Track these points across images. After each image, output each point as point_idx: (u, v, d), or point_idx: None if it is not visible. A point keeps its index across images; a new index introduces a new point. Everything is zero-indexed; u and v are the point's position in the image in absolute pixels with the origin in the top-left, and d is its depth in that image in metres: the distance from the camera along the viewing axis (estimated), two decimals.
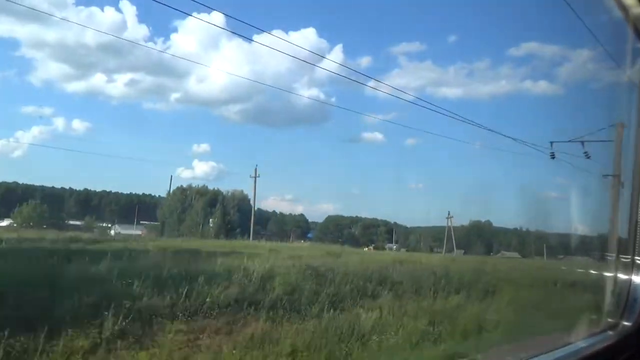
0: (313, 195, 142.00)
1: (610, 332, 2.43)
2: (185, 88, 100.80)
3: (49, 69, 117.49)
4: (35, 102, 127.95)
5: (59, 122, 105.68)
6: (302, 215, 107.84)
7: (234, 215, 74.70)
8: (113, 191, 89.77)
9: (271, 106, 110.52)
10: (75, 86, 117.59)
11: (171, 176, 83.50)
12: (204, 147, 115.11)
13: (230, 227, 71.77)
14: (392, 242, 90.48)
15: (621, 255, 2.45)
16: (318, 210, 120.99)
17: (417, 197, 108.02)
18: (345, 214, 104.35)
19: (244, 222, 76.64)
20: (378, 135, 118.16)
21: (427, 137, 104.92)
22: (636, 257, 2.40)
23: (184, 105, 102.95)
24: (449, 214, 62.03)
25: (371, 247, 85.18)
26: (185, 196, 74.71)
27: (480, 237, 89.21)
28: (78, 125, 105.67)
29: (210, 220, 69.34)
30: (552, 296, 15.30)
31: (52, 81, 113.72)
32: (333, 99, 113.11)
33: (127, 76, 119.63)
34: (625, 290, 2.43)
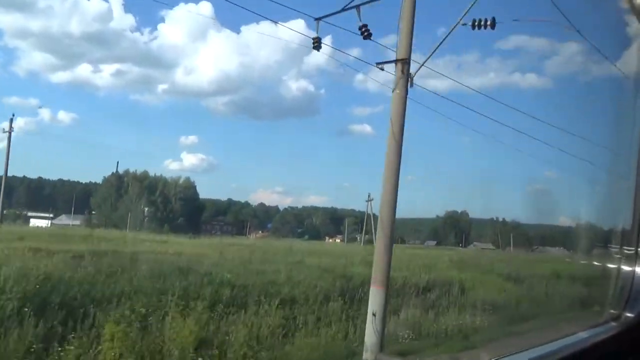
0: (303, 188, 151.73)
1: (613, 323, 2.65)
2: (173, 79, 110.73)
3: (34, 59, 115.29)
4: (19, 92, 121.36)
5: (45, 113, 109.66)
6: (262, 204, 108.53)
7: (176, 204, 73.43)
8: (71, 180, 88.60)
9: (260, 98, 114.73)
10: (61, 76, 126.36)
11: (117, 162, 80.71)
12: (192, 139, 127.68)
13: (171, 216, 70.57)
14: (363, 234, 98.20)
15: (624, 247, 2.76)
16: (308, 202, 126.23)
17: (407, 189, 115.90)
18: (338, 206, 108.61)
19: (191, 213, 75.69)
20: (367, 128, 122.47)
21: (415, 129, 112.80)
22: None
23: (172, 97, 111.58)
24: (369, 196, 57.88)
25: (338, 238, 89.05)
26: (121, 182, 72.25)
27: (455, 228, 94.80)
28: (64, 116, 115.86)
29: (146, 209, 67.63)
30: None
31: (36, 72, 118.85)
32: (322, 91, 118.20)
33: (114, 67, 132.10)
34: (628, 282, 2.73)
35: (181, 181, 76.82)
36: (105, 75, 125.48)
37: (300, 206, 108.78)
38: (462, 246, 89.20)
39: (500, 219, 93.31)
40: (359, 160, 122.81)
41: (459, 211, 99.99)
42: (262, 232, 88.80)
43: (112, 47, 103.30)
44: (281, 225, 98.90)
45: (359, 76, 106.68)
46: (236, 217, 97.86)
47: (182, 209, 72.63)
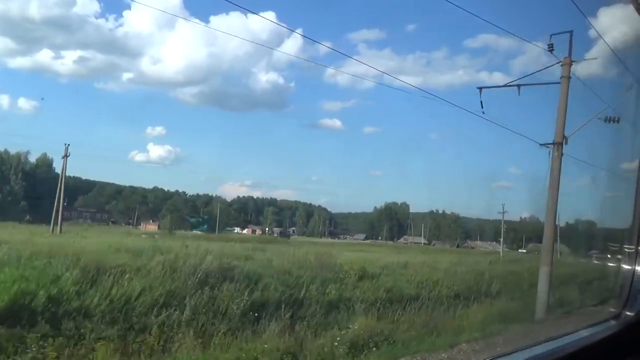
0: (273, 181, 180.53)
1: (613, 322, 3.08)
2: (139, 68, 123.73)
3: None
4: None
5: (4, 100, 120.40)
6: (158, 189, 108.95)
7: (17, 185, 68.44)
8: None
9: (229, 90, 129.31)
10: (20, 62, 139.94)
11: None
12: (159, 130, 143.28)
13: (10, 200, 65.70)
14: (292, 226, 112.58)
15: (625, 246, 3.35)
16: (277, 195, 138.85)
17: (374, 183, 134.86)
18: (308, 200, 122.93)
19: (44, 197, 71.12)
20: (337, 122, 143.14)
21: (386, 125, 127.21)
22: None
23: (138, 86, 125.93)
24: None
25: (253, 229, 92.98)
26: None
27: (391, 221, 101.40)
28: (24, 103, 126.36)
29: None
30: None
31: None
32: (292, 84, 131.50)
33: (76, 53, 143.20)
34: (628, 281, 3.30)
35: (34, 158, 72.02)
36: (67, 61, 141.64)
37: (269, 198, 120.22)
38: (385, 240, 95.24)
39: (440, 212, 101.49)
40: (328, 154, 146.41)
41: (399, 203, 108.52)
42: (153, 221, 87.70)
43: (75, 33, 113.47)
44: (170, 213, 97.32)
45: (330, 70, 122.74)
46: (127, 205, 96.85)
47: (28, 191, 68.35)
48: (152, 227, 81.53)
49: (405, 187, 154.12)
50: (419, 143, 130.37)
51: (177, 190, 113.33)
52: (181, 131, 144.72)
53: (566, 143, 16.56)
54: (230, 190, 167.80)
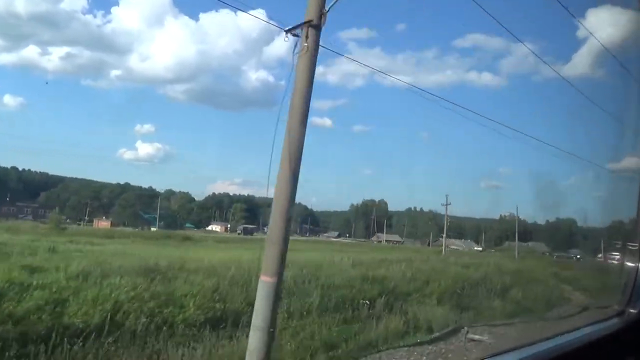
0: (263, 180, 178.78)
1: (616, 319, 3.18)
2: (127, 65, 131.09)
3: None
4: None
5: None
6: (102, 182, 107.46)
7: None
8: None
9: (218, 87, 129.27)
10: (5, 58, 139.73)
11: None
12: (148, 127, 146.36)
13: None
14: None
15: (628, 243, 3.52)
16: (268, 194, 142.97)
17: (363, 182, 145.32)
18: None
19: None
20: (327, 121, 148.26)
21: (376, 124, 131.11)
22: None
23: (126, 83, 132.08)
24: None
25: (226, 227, 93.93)
26: None
27: (368, 219, 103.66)
28: (9, 100, 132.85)
29: None
30: None
31: None
32: (283, 82, 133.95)
33: (63, 50, 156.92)
34: (631, 278, 3.33)
35: None
36: (54, 58, 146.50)
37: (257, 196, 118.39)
38: (354, 237, 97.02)
39: (419, 209, 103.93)
40: (318, 152, 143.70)
41: (377, 200, 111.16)
42: (106, 217, 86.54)
43: (62, 29, 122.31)
44: (122, 209, 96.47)
45: (320, 69, 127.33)
46: (80, 200, 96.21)
47: None
48: (104, 223, 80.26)
49: (398, 186, 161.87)
50: (409, 142, 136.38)
51: (150, 187, 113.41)
52: (171, 129, 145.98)
53: (324, 23, 8.61)
54: (221, 189, 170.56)
